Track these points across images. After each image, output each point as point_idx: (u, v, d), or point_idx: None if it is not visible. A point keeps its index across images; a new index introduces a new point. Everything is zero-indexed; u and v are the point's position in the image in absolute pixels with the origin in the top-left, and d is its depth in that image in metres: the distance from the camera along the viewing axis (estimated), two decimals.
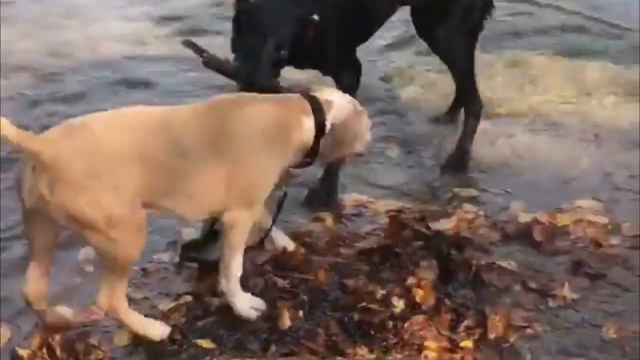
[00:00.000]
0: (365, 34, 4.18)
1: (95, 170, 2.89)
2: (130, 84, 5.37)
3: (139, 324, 3.16)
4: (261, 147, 3.17)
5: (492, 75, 5.23)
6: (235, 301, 3.27)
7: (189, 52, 3.57)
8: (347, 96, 3.41)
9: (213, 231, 3.49)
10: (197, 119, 3.15)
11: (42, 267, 3.11)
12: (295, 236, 3.74)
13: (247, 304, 3.29)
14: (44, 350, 3.13)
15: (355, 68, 4.06)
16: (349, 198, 4.08)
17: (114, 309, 3.08)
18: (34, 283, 3.11)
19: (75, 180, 2.86)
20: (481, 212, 3.97)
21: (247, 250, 3.33)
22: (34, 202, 2.88)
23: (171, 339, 3.20)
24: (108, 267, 3.05)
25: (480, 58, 4.59)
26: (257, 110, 3.22)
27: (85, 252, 3.65)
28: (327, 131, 3.27)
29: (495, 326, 3.24)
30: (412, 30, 4.42)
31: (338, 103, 3.33)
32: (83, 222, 2.90)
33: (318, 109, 3.29)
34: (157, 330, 3.19)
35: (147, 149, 3.00)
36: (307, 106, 3.29)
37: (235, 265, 3.25)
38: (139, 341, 3.20)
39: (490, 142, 4.57)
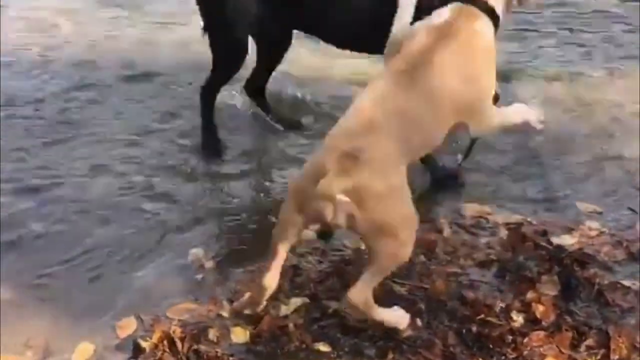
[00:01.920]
0: None
1: (387, 190, 3.05)
2: None
3: (385, 315, 3.24)
4: None
5: None
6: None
7: None
8: None
9: None
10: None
11: (281, 264, 3.20)
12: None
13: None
14: (165, 342, 3.20)
15: None
16: (469, 208, 4.02)
17: (363, 303, 3.17)
18: (272, 278, 3.17)
19: (378, 196, 3.03)
20: (605, 229, 3.87)
21: None
22: (342, 223, 3.05)
23: (288, 339, 3.23)
24: (378, 268, 3.16)
25: None
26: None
27: (194, 254, 3.74)
28: None
29: (619, 347, 3.15)
30: None
31: None
32: (387, 230, 3.07)
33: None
34: (403, 318, 3.27)
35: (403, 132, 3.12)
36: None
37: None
38: (256, 339, 3.24)
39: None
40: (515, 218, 3.94)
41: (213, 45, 4.33)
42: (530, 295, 3.40)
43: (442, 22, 3.26)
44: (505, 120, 3.38)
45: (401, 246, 3.14)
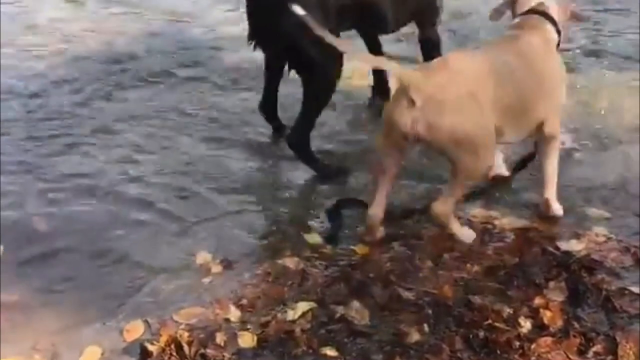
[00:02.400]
0: None
1: (468, 90, 3.45)
2: None
3: (458, 230, 3.71)
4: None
5: None
6: (552, 206, 3.95)
7: None
8: None
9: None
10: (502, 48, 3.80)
11: (385, 196, 3.70)
12: (418, 249, 3.75)
13: (558, 208, 3.96)
14: (172, 346, 3.20)
15: None
16: (476, 213, 4.01)
17: (445, 214, 3.63)
18: (378, 208, 3.71)
19: (458, 103, 3.41)
20: (612, 235, 3.86)
21: None
22: (423, 132, 3.41)
23: (295, 344, 3.23)
24: (459, 181, 3.56)
25: None
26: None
27: (202, 257, 3.75)
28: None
29: (627, 354, 3.14)
30: None
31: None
32: (463, 142, 3.43)
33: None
34: (470, 235, 3.75)
35: (489, 72, 3.57)
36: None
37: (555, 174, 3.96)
38: (263, 344, 3.24)
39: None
40: (522, 223, 3.93)
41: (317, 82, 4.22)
42: (537, 301, 3.39)
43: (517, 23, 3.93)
44: (556, 155, 3.94)
45: (477, 161, 3.51)
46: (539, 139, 3.95)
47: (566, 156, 4.40)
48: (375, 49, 4.84)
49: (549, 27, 3.94)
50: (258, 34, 4.25)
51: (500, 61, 3.69)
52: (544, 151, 3.96)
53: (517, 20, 3.98)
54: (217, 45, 5.94)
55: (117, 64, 5.68)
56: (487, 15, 4.18)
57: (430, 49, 4.70)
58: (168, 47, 5.95)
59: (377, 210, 3.72)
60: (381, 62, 3.64)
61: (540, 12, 3.95)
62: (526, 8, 3.98)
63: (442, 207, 3.62)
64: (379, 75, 4.96)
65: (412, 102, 3.40)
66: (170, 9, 6.62)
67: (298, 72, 4.25)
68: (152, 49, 5.90)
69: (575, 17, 4.15)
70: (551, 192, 3.99)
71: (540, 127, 3.86)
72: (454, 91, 3.44)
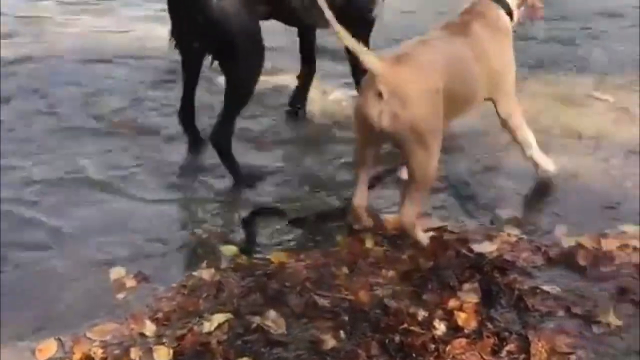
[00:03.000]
0: None
1: (431, 85, 3.60)
2: None
3: (422, 237, 3.79)
4: None
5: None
6: (540, 162, 4.27)
7: None
8: None
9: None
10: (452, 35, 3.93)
11: (366, 185, 3.86)
12: (334, 256, 3.76)
13: (549, 164, 4.29)
14: None
15: None
16: (390, 218, 4.04)
17: (411, 223, 3.74)
18: (360, 198, 3.86)
19: (421, 98, 3.55)
20: (524, 236, 3.93)
21: None
22: (386, 123, 3.53)
23: (212, 356, 3.20)
24: (417, 184, 3.68)
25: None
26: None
27: (116, 272, 3.69)
28: None
29: (539, 352, 3.19)
30: None
31: None
32: (422, 134, 3.56)
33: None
34: (426, 240, 3.80)
35: (446, 64, 3.74)
36: None
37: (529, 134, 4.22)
38: (179, 357, 3.20)
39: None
40: (437, 227, 3.97)
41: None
42: (452, 303, 3.42)
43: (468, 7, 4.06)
44: (522, 124, 4.19)
45: (430, 157, 3.62)
46: (500, 120, 4.21)
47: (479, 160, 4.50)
48: (307, 42, 4.91)
49: (499, 11, 4.07)
50: (180, 28, 4.22)
51: (452, 53, 3.85)
52: (510, 130, 4.22)
53: (467, 5, 4.10)
54: None
55: None
56: None
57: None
58: None
59: (360, 201, 3.87)
60: (357, 49, 3.59)
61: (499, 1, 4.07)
62: None
63: (406, 217, 3.73)
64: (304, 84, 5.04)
65: (379, 95, 3.51)
66: None
67: (221, 64, 4.23)
68: None
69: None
70: (534, 151, 4.26)
71: (496, 109, 4.15)
72: (418, 85, 3.57)
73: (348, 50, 4.52)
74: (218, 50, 4.18)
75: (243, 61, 4.16)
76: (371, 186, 4.01)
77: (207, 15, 4.02)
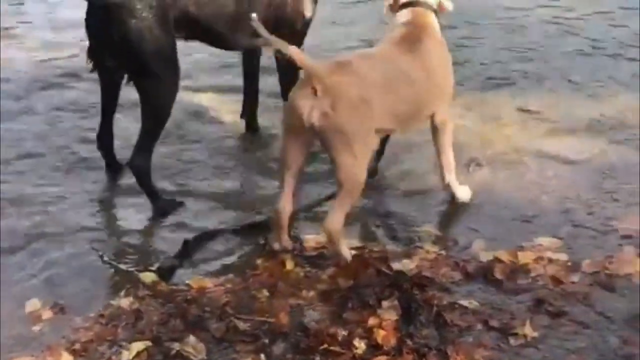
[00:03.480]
0: None
1: (363, 96, 3.67)
2: None
3: (344, 249, 3.81)
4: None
5: None
6: (457, 190, 4.31)
7: None
8: None
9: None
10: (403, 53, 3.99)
11: (291, 190, 3.84)
12: (254, 279, 3.76)
13: (465, 193, 4.33)
14: None
15: None
16: (310, 240, 4.05)
17: (336, 231, 3.75)
18: (285, 202, 3.84)
19: (351, 103, 3.63)
20: (442, 252, 3.97)
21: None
22: (315, 119, 3.60)
23: None
24: (343, 190, 3.71)
25: None
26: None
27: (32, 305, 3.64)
28: None
29: None
30: None
31: None
32: (348, 137, 3.62)
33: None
34: (348, 256, 3.83)
35: (387, 81, 3.82)
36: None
37: (452, 158, 4.26)
38: None
39: None
40: (356, 245, 3.99)
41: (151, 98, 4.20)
42: (371, 321, 3.44)
43: (411, 19, 4.10)
44: (449, 143, 4.24)
45: (355, 162, 3.67)
46: (432, 129, 4.23)
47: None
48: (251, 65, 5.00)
49: (433, 17, 4.16)
50: (97, 48, 4.19)
51: (396, 67, 3.92)
52: (439, 138, 4.24)
53: (404, 14, 4.13)
54: None
55: None
56: None
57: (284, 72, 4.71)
58: None
59: (283, 205, 3.85)
60: (295, 53, 3.64)
61: (422, 3, 4.14)
62: None
63: (332, 224, 3.74)
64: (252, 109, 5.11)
65: (314, 91, 3.60)
66: None
67: (136, 85, 4.21)
68: None
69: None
70: (452, 177, 4.31)
71: (432, 118, 4.17)
72: (351, 91, 3.65)
73: (278, 65, 4.63)
74: (133, 70, 4.17)
75: (158, 82, 4.16)
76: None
77: (123, 34, 4.02)
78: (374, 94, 3.73)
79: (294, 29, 4.56)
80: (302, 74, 3.75)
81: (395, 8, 4.19)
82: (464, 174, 4.56)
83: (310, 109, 3.61)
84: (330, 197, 4.18)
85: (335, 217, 3.74)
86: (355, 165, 3.69)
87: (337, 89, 3.62)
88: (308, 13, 4.61)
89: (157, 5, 4.06)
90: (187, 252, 3.97)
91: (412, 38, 4.05)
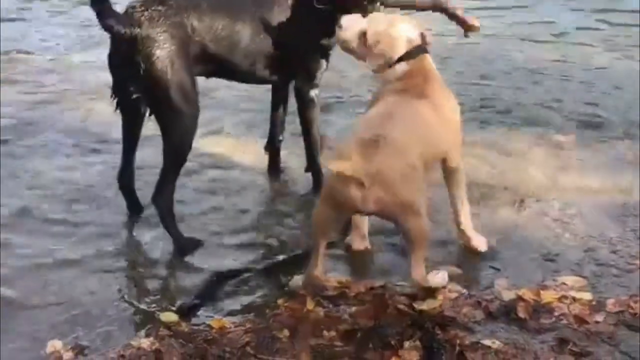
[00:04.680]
0: None
1: (407, 161, 3.67)
2: None
3: (434, 281, 3.86)
4: None
5: None
6: (472, 237, 4.22)
7: None
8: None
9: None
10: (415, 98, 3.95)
11: (323, 256, 3.85)
12: (274, 319, 3.74)
13: (482, 242, 4.22)
14: None
15: None
16: (331, 280, 4.03)
17: (423, 278, 3.80)
18: (319, 268, 3.86)
19: (402, 176, 3.63)
20: (465, 291, 3.93)
21: None
22: (371, 206, 3.63)
23: None
24: (418, 247, 3.74)
25: None
26: None
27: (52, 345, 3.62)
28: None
29: None
30: None
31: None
32: (408, 205, 3.65)
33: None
34: (444, 280, 3.92)
35: (415, 132, 3.83)
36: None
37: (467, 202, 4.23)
38: None
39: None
40: (377, 285, 3.97)
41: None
42: None
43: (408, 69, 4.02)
44: (464, 188, 4.21)
45: (421, 219, 3.70)
46: (446, 174, 4.18)
47: None
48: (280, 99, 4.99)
49: (429, 59, 4.10)
50: (120, 84, 4.24)
51: (415, 114, 3.90)
52: (452, 184, 4.19)
53: (400, 67, 4.03)
54: None
55: None
56: None
57: (302, 102, 4.69)
58: None
59: (319, 272, 3.86)
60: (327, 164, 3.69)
61: (422, 49, 4.08)
62: (404, 48, 4.04)
63: (418, 276, 3.78)
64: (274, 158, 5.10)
65: (360, 184, 3.55)
66: None
67: (157, 118, 4.26)
68: None
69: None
70: (467, 224, 4.22)
71: (444, 163, 4.12)
72: (396, 166, 3.63)
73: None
74: (154, 102, 4.22)
75: (178, 115, 4.20)
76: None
77: (145, 66, 4.09)
78: (412, 151, 3.72)
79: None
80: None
81: (384, 68, 4.07)
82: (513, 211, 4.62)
83: (362, 199, 3.59)
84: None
85: (418, 269, 3.77)
86: (421, 222, 3.71)
87: (384, 172, 3.59)
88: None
89: (178, 38, 4.15)
90: (209, 291, 3.96)
91: (418, 83, 3.99)
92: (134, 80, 4.16)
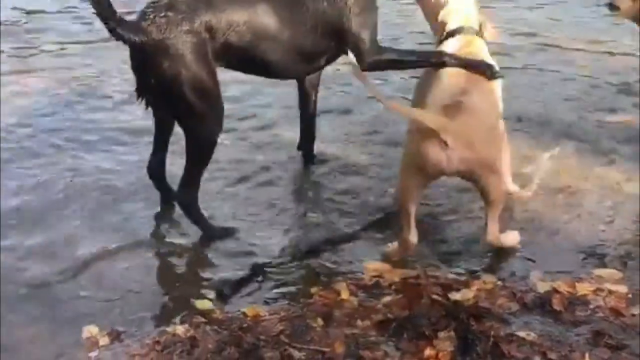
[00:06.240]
0: None
1: (487, 122, 3.90)
2: None
3: (508, 241, 4.12)
4: None
5: None
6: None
7: None
8: None
9: None
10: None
11: (414, 221, 4.00)
12: (308, 308, 3.75)
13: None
14: None
15: None
16: (367, 267, 4.04)
17: (497, 239, 4.04)
18: (413, 234, 4.02)
19: (484, 136, 3.83)
20: (499, 282, 3.92)
21: None
22: (457, 166, 3.79)
23: None
24: (495, 206, 3.96)
25: None
26: None
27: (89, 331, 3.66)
28: None
29: None
30: None
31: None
32: (491, 164, 3.87)
33: None
34: (516, 238, 4.18)
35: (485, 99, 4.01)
36: None
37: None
38: None
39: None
40: (412, 274, 3.96)
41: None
42: (427, 352, 3.41)
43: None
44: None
45: (500, 177, 3.99)
46: None
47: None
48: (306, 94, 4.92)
49: (484, 45, 4.33)
50: (143, 87, 4.19)
51: (488, 89, 4.09)
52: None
53: (451, 44, 4.23)
54: None
55: None
56: None
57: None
58: None
59: (413, 237, 4.03)
60: (410, 112, 4.01)
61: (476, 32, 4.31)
62: (460, 22, 4.30)
63: (492, 235, 4.03)
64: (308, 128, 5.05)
65: (444, 144, 3.73)
66: None
67: (179, 122, 4.22)
68: None
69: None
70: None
71: None
72: (479, 126, 3.83)
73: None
74: (174, 109, 4.17)
75: (200, 119, 4.15)
76: None
77: (160, 76, 4.02)
78: (491, 114, 3.98)
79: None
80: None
81: (440, 32, 4.31)
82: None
83: (447, 160, 3.77)
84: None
85: (492, 229, 4.01)
86: (501, 181, 4.00)
87: (468, 132, 3.77)
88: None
89: (190, 42, 4.04)
90: (250, 278, 4.00)
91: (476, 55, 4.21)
92: (151, 88, 4.12)
